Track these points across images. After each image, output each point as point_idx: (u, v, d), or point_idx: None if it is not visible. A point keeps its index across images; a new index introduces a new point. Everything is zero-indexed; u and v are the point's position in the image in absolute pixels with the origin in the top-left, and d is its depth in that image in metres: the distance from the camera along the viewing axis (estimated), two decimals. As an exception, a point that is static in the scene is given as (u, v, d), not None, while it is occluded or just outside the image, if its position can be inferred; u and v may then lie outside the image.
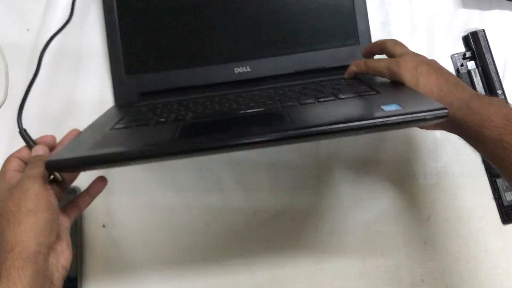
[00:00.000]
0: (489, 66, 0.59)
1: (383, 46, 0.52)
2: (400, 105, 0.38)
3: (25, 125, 0.48)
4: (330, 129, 0.36)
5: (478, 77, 0.60)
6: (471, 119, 0.40)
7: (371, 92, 0.45)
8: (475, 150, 0.42)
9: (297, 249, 0.60)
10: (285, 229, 0.60)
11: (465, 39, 0.61)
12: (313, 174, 0.60)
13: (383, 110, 0.38)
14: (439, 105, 0.37)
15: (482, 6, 0.61)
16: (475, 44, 0.60)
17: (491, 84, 0.59)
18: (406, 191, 0.60)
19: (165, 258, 0.60)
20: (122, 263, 0.60)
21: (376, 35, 0.61)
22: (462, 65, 0.60)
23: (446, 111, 0.36)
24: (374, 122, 0.36)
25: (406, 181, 0.60)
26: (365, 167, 0.60)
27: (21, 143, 0.47)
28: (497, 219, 0.60)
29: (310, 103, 0.44)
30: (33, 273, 0.36)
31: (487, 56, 0.59)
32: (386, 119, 0.36)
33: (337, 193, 0.60)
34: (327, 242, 0.60)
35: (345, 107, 0.42)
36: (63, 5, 0.62)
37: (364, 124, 0.36)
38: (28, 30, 0.62)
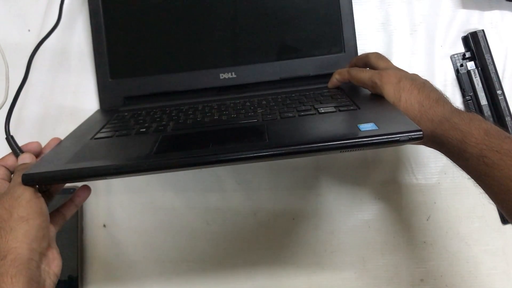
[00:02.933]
0: (489, 67, 0.59)
1: (366, 60, 0.53)
2: (376, 125, 0.39)
3: (11, 129, 0.48)
4: (305, 148, 0.37)
5: (478, 78, 0.60)
6: (452, 135, 0.40)
7: (351, 107, 0.46)
8: (457, 167, 0.42)
9: (297, 249, 0.60)
10: (285, 229, 0.60)
11: (465, 40, 0.61)
12: (313, 174, 0.61)
13: (359, 129, 0.39)
14: (415, 127, 0.38)
15: (482, 7, 0.61)
16: (474, 44, 0.60)
17: (491, 85, 0.59)
18: (406, 191, 0.60)
19: (165, 257, 0.61)
20: (122, 262, 0.60)
21: (376, 36, 0.61)
22: (461, 65, 0.61)
23: (421, 133, 0.37)
24: (348, 143, 0.37)
25: (406, 181, 0.60)
26: (365, 166, 0.60)
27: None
28: (497, 219, 0.60)
29: (290, 116, 0.45)
30: (27, 281, 0.35)
31: (486, 56, 0.59)
32: (360, 140, 0.37)
33: (337, 193, 0.60)
34: (327, 242, 0.60)
35: (323, 124, 0.43)
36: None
37: (338, 144, 0.37)
38: (29, 30, 0.62)
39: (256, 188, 0.61)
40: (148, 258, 0.61)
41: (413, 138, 0.37)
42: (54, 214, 0.45)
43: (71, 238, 0.59)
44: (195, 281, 0.60)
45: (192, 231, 0.61)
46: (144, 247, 0.61)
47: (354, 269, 0.60)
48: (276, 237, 0.60)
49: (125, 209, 0.61)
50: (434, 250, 0.60)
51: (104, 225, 0.61)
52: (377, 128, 0.39)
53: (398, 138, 0.37)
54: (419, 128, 0.37)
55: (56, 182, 0.44)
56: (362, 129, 0.39)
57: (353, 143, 0.37)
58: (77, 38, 0.62)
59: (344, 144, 0.37)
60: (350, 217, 0.60)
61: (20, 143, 0.48)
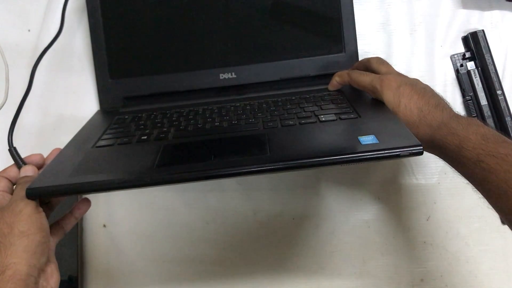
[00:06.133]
0: (489, 67, 0.59)
1: (368, 64, 0.53)
2: (377, 137, 0.39)
3: (16, 138, 0.48)
4: (305, 163, 0.38)
5: (478, 78, 0.60)
6: (450, 140, 0.40)
7: (352, 115, 0.46)
8: (456, 171, 0.42)
9: (297, 249, 0.60)
10: (285, 229, 0.60)
11: (465, 40, 0.61)
12: (313, 174, 0.61)
13: (360, 142, 0.39)
14: (415, 141, 0.38)
15: (482, 7, 0.61)
16: (474, 44, 0.60)
17: (491, 85, 0.59)
18: (406, 191, 0.60)
19: (165, 257, 0.61)
20: (122, 262, 0.60)
21: (376, 36, 0.61)
22: (461, 65, 0.61)
23: (421, 148, 0.37)
24: (348, 158, 0.38)
25: (406, 181, 0.60)
26: (365, 166, 0.60)
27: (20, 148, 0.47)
28: (496, 218, 0.60)
29: (291, 125, 0.46)
30: None
31: (486, 56, 0.59)
32: (360, 155, 0.38)
33: (337, 193, 0.60)
34: (327, 242, 0.60)
35: (324, 136, 0.43)
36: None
37: (338, 159, 0.38)
38: (29, 30, 0.62)
39: (256, 188, 0.61)
40: (148, 258, 0.61)
41: (413, 153, 0.37)
42: (53, 227, 0.45)
43: (71, 238, 0.59)
44: (195, 281, 0.60)
45: (192, 231, 0.61)
46: (144, 247, 0.61)
47: (354, 269, 0.60)
48: (276, 237, 0.61)
49: (125, 209, 0.61)
50: (434, 250, 0.60)
51: (104, 225, 0.61)
52: (377, 141, 0.39)
53: (398, 153, 0.37)
54: (420, 143, 0.38)
55: (59, 195, 0.44)
56: (363, 143, 0.39)
57: (354, 158, 0.38)
58: (76, 39, 0.62)
59: (345, 159, 0.38)
60: (350, 217, 0.60)
61: (20, 144, 0.48)
